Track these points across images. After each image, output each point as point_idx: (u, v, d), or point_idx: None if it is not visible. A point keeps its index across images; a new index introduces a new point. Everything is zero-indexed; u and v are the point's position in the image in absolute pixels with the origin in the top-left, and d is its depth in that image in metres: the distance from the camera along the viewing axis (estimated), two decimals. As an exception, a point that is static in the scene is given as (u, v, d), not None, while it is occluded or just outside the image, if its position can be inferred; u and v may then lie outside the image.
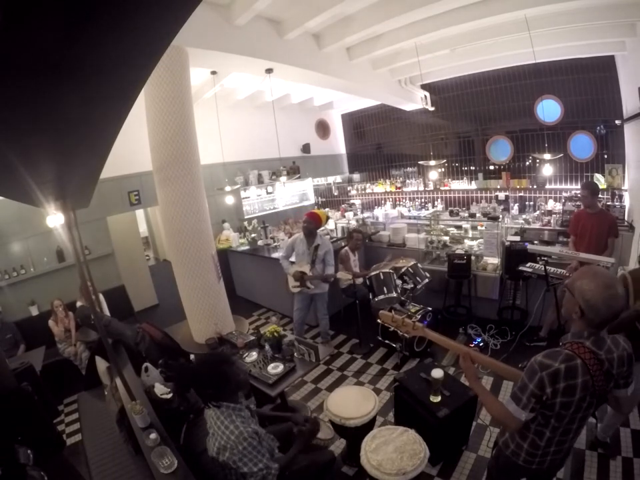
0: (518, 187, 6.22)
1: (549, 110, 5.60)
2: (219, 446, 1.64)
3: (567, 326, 1.84)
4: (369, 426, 2.37)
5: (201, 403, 2.16)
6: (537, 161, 5.90)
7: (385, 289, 3.86)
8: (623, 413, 1.45)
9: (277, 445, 1.95)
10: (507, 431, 1.48)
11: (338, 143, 9.04)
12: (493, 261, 4.43)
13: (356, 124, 8.70)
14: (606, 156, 5.40)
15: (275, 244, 5.77)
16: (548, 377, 1.21)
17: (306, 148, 7.94)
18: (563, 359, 1.22)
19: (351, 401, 2.45)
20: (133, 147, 4.57)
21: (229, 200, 6.02)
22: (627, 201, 5.00)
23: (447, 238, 4.98)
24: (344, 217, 7.03)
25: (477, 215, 5.84)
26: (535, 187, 6.05)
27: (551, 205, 5.62)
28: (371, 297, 3.99)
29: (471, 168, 6.92)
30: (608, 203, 5.03)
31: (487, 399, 1.44)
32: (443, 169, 7.20)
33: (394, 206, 7.70)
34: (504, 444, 1.49)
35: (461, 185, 7.00)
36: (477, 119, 6.65)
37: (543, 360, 1.25)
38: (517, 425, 1.31)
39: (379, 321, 3.87)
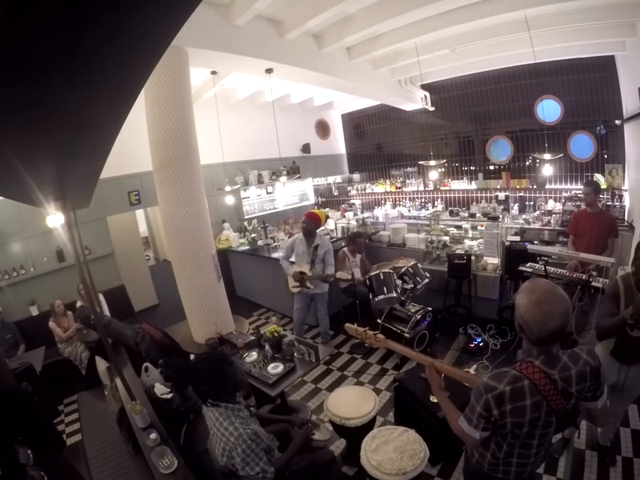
0: (518, 187, 6.21)
1: (548, 110, 5.60)
2: (221, 450, 1.64)
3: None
4: (368, 426, 2.37)
5: (201, 402, 2.16)
6: (537, 160, 5.90)
7: (384, 288, 3.86)
8: (596, 425, 1.42)
9: (277, 445, 1.95)
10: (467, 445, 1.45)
11: (338, 143, 9.04)
12: (493, 261, 4.43)
13: (356, 124, 8.70)
14: (606, 156, 5.40)
15: (275, 244, 5.77)
16: (493, 399, 1.17)
17: (306, 148, 7.94)
18: (509, 381, 1.17)
19: (351, 401, 2.45)
20: (133, 147, 4.57)
21: (229, 200, 6.02)
22: (627, 201, 4.99)
23: (447, 238, 4.98)
24: (344, 217, 7.03)
25: (477, 215, 5.83)
26: (535, 187, 6.05)
27: (551, 205, 5.62)
28: (370, 297, 3.99)
29: (471, 168, 6.92)
30: (608, 203, 5.03)
31: (449, 412, 1.40)
32: (443, 169, 7.20)
33: (394, 206, 7.70)
34: (470, 452, 1.47)
35: (461, 184, 6.99)
36: (477, 118, 6.64)
37: (488, 382, 1.20)
38: (473, 442, 1.29)
39: (378, 321, 3.88)
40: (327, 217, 5.77)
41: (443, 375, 1.54)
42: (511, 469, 1.33)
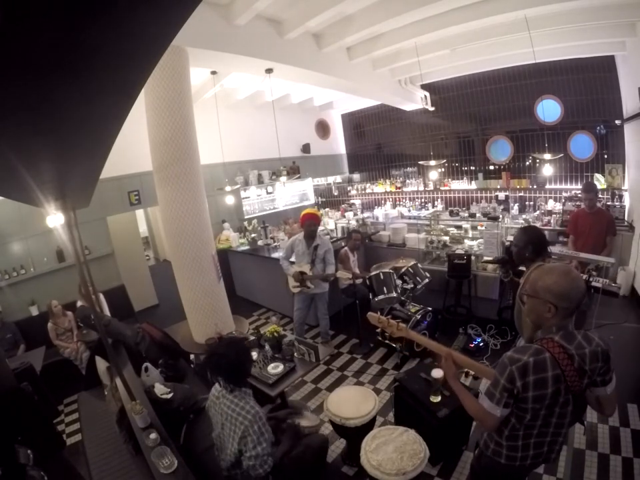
0: (518, 186, 6.22)
1: (548, 110, 5.60)
2: (233, 433, 1.67)
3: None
4: (368, 426, 2.37)
5: (201, 402, 2.17)
6: (537, 160, 5.90)
7: (384, 288, 3.86)
8: (606, 414, 1.44)
9: (273, 439, 1.98)
10: (484, 428, 1.47)
11: (338, 143, 9.04)
12: (493, 260, 4.43)
13: (356, 124, 8.70)
14: (606, 156, 5.40)
15: (275, 244, 5.77)
16: (517, 370, 1.24)
17: (306, 148, 7.94)
18: (532, 353, 1.25)
19: (351, 401, 2.45)
20: (133, 147, 4.56)
21: (229, 200, 6.02)
22: (627, 201, 4.99)
23: (447, 238, 4.98)
24: (344, 217, 7.03)
25: (477, 215, 5.83)
26: (535, 187, 6.05)
27: (551, 204, 5.62)
28: (370, 297, 3.98)
29: (471, 168, 6.93)
30: (608, 203, 5.03)
31: (464, 397, 1.45)
32: (443, 169, 7.20)
33: (394, 206, 7.70)
34: (484, 445, 1.48)
35: (461, 185, 7.00)
36: (477, 119, 6.65)
37: (513, 354, 1.29)
38: (492, 421, 1.32)
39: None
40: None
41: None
42: (528, 454, 1.36)
